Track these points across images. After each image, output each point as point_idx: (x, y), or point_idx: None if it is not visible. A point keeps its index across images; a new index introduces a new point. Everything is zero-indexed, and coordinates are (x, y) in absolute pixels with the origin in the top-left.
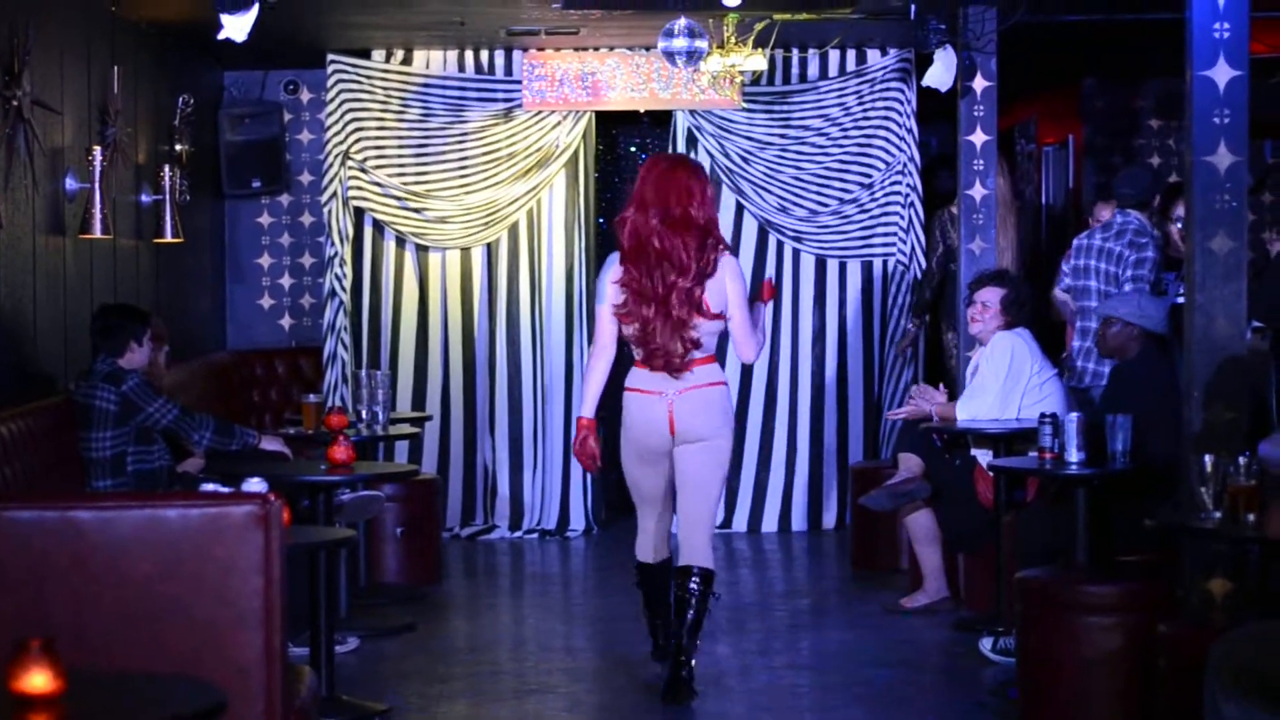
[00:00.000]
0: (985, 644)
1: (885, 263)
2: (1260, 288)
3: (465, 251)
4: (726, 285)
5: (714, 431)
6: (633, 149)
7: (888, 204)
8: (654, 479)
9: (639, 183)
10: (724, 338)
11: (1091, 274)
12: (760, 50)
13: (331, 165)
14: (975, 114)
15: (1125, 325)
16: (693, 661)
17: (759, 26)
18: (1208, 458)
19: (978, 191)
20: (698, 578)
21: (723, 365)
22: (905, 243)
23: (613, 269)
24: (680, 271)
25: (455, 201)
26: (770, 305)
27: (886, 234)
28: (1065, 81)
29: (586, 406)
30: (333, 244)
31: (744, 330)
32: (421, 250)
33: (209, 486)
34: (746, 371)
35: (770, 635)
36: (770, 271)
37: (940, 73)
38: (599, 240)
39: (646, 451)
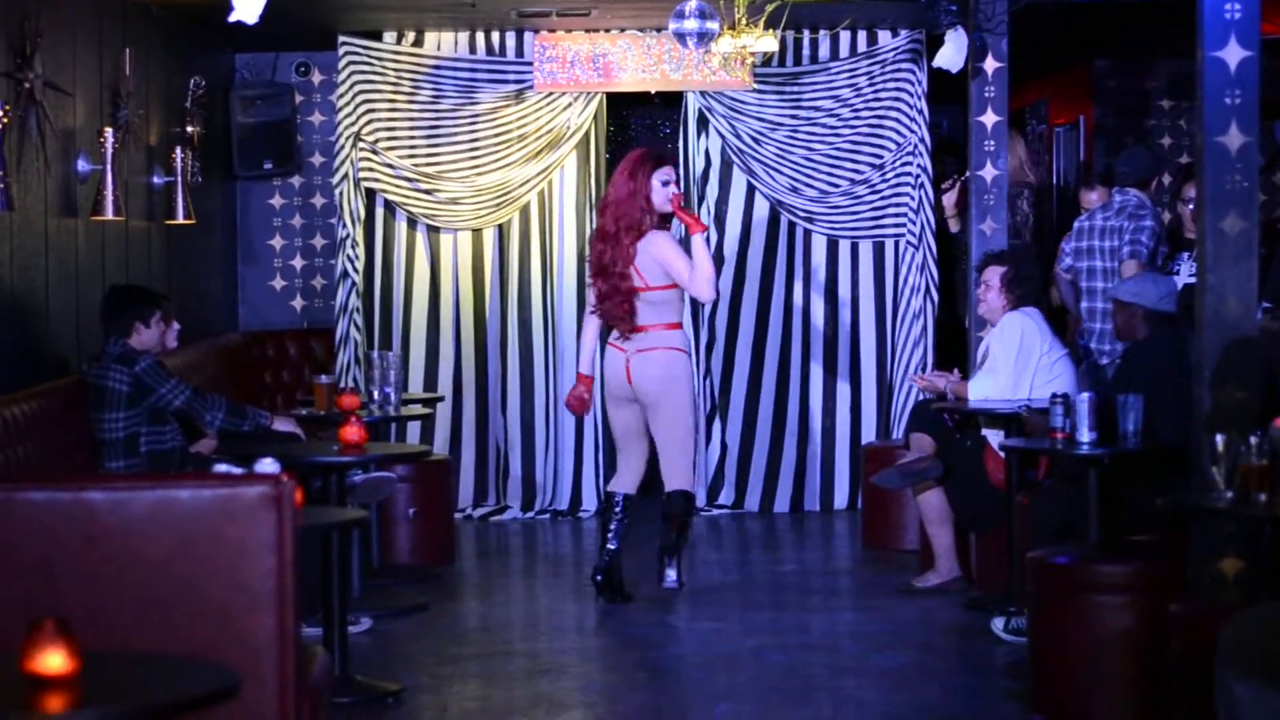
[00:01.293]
0: (997, 624)
1: (896, 243)
2: (1269, 270)
3: (477, 233)
4: (655, 258)
5: (662, 395)
6: (644, 130)
7: (899, 185)
8: (623, 419)
9: None
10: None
11: (1096, 254)
12: (771, 31)
13: (343, 147)
14: (986, 95)
15: (1124, 306)
16: (678, 561)
17: (770, 8)
18: (1219, 437)
19: (988, 172)
20: (680, 497)
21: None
22: (915, 223)
23: None
24: (610, 252)
25: (466, 183)
26: (704, 234)
27: (897, 214)
28: (1076, 62)
29: (582, 364)
30: (344, 225)
31: (686, 282)
32: (433, 231)
33: (221, 467)
34: (759, 353)
35: (782, 615)
36: (781, 251)
37: (951, 54)
38: None
39: (614, 395)
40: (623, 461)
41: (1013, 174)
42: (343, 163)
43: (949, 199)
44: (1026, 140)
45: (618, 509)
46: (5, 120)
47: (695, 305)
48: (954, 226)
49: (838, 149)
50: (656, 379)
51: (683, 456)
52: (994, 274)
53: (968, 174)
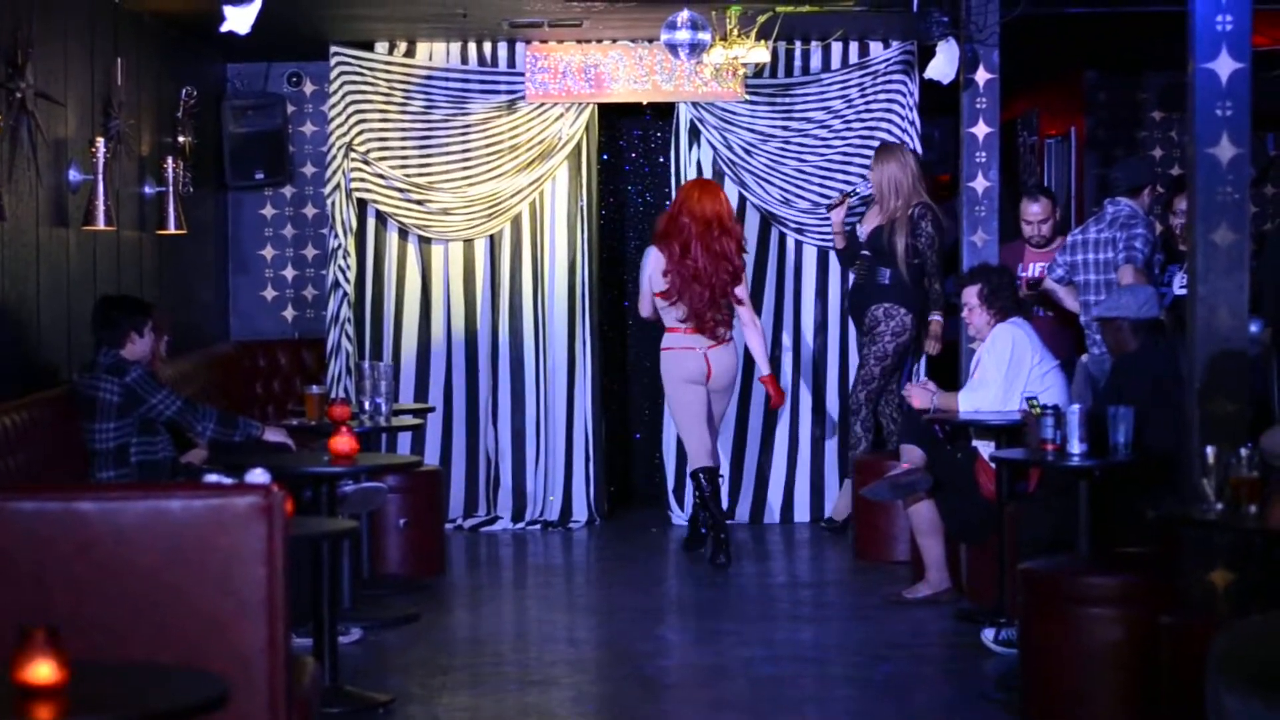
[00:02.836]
0: (987, 635)
1: None
2: (1260, 283)
3: (468, 243)
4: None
5: (731, 380)
6: (635, 141)
7: None
8: (697, 402)
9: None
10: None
11: (1090, 267)
12: (763, 42)
13: (335, 157)
14: (977, 106)
15: (1109, 323)
16: (725, 532)
17: (762, 19)
18: (1210, 449)
19: (979, 184)
20: (716, 472)
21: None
22: None
23: (655, 257)
24: (712, 272)
25: (458, 193)
26: None
27: None
28: (1067, 74)
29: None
30: (336, 235)
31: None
32: (424, 242)
33: (212, 477)
34: (749, 363)
35: (772, 626)
36: (772, 262)
37: (943, 65)
38: (601, 232)
39: (691, 386)
40: (699, 441)
41: (906, 193)
42: (334, 173)
43: (836, 215)
44: (1013, 160)
45: (710, 479)
46: None
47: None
48: (839, 243)
49: (829, 160)
50: (732, 367)
51: (717, 436)
52: (970, 294)
53: (853, 191)
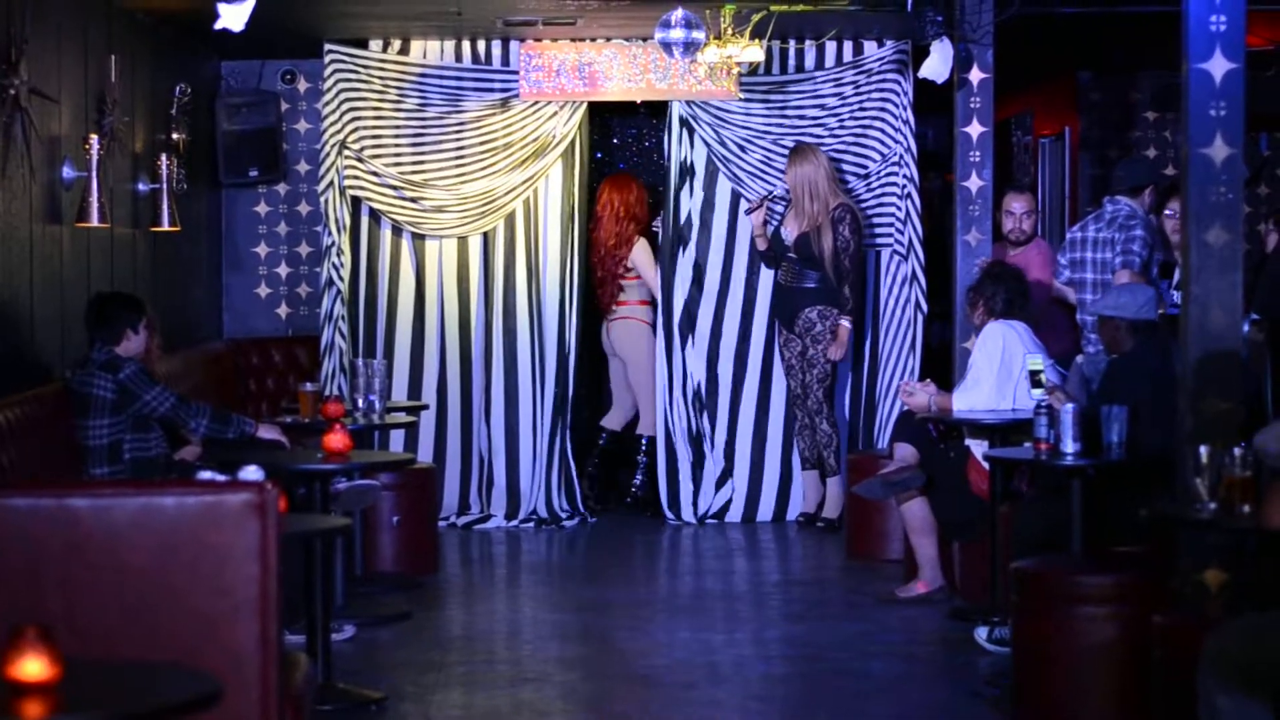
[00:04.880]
0: (980, 633)
1: (878, 254)
2: (1259, 281)
3: (462, 241)
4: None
5: (634, 353)
6: (629, 140)
7: (884, 195)
8: (618, 368)
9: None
10: None
11: (1088, 266)
12: (757, 41)
13: (329, 155)
14: (972, 106)
15: (1107, 321)
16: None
17: (756, 18)
18: (1203, 448)
19: (973, 183)
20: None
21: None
22: (902, 234)
23: None
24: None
25: (452, 191)
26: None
27: (884, 225)
28: (1061, 74)
29: None
30: (330, 233)
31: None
32: (418, 239)
33: (206, 474)
34: (742, 363)
35: (765, 625)
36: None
37: (937, 64)
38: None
39: (610, 354)
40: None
41: (824, 195)
42: (328, 170)
43: (756, 218)
44: (1009, 158)
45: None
46: None
47: (676, 313)
48: (761, 245)
49: None
50: (630, 339)
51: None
52: (972, 290)
53: (771, 194)
